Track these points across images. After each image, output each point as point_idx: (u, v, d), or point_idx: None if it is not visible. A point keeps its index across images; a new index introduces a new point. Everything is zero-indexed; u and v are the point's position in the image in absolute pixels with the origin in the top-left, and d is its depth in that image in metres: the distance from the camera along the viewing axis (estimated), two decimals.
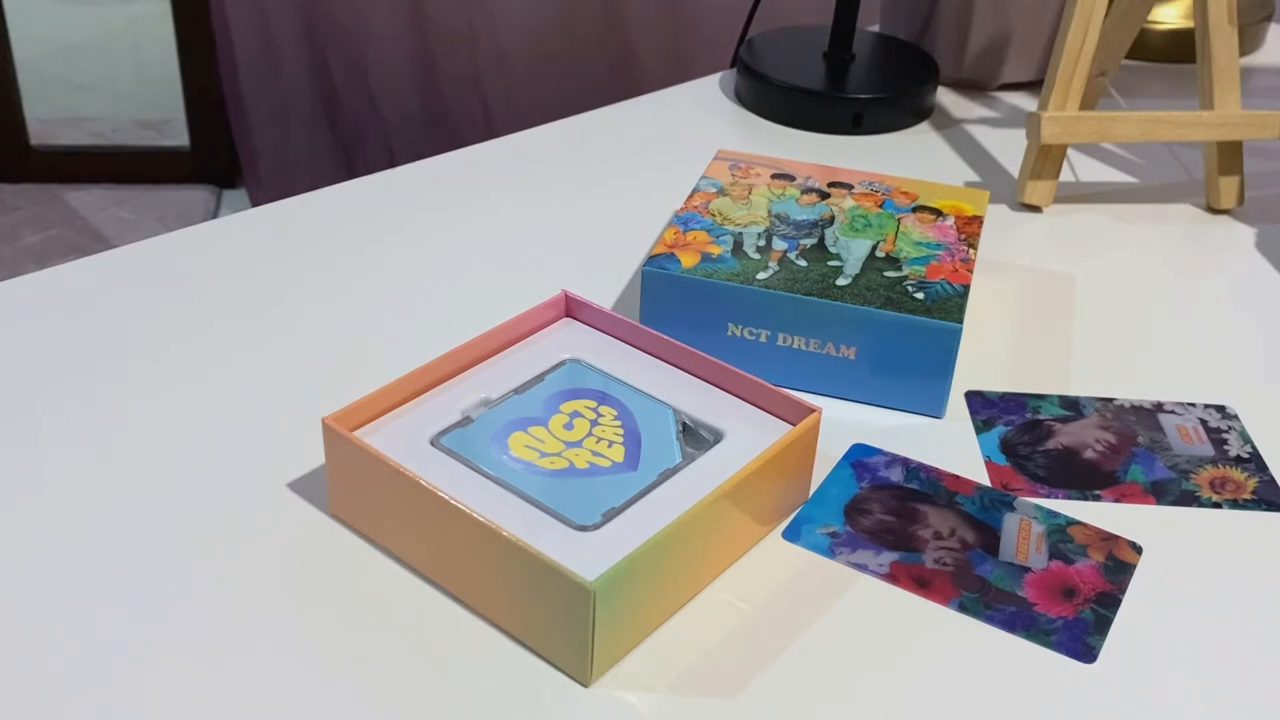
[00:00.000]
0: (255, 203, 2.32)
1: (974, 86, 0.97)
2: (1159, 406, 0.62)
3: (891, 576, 0.51)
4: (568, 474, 0.50)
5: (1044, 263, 0.74)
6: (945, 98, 0.96)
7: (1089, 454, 0.58)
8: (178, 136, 2.41)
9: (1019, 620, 0.49)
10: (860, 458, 0.57)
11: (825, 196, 0.67)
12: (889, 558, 0.52)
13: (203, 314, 0.65)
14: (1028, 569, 0.51)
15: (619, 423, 0.53)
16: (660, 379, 0.56)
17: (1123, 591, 0.51)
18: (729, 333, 0.61)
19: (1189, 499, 0.56)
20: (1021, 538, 0.53)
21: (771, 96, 0.90)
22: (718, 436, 0.53)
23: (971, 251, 0.63)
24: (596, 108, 0.91)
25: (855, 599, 0.50)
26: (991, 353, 0.65)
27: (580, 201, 0.79)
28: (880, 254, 0.62)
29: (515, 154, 0.84)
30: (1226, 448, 0.59)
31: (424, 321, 0.65)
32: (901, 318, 0.58)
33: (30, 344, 0.62)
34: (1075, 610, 0.49)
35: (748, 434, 0.53)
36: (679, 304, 0.60)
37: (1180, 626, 0.49)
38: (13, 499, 0.52)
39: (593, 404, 0.54)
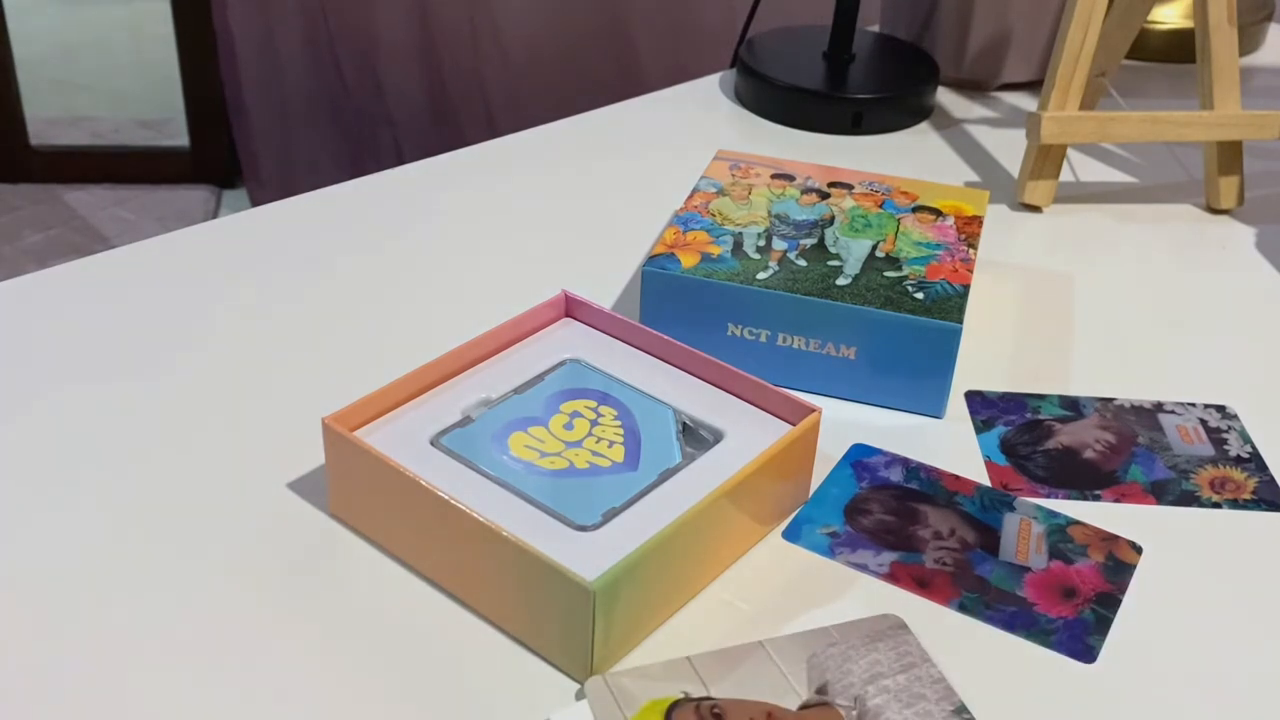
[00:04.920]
0: (255, 203, 2.32)
1: (974, 86, 0.97)
2: (1159, 406, 0.62)
3: (891, 576, 0.51)
4: (568, 474, 0.50)
5: (1044, 263, 0.74)
6: (945, 98, 0.96)
7: (1089, 454, 0.58)
8: (178, 136, 2.41)
9: (1019, 620, 0.49)
10: (860, 458, 0.57)
11: (825, 196, 0.67)
12: (889, 558, 0.52)
13: (203, 314, 0.65)
14: (1028, 569, 0.51)
15: (619, 423, 0.53)
16: (660, 379, 0.56)
17: (1123, 591, 0.51)
18: (729, 333, 0.61)
19: (1189, 499, 0.56)
20: (1021, 538, 0.53)
21: (771, 96, 0.90)
22: (718, 436, 0.53)
23: (971, 251, 0.63)
24: (598, 108, 0.91)
25: (855, 599, 0.50)
26: (991, 353, 0.65)
27: (580, 201, 0.79)
28: (880, 254, 0.62)
29: (515, 154, 0.84)
30: (1226, 448, 0.59)
31: (424, 321, 0.65)
32: (901, 317, 0.58)
33: (30, 344, 0.62)
34: (1075, 610, 0.49)
35: (748, 434, 0.53)
36: (679, 304, 0.60)
37: (1180, 626, 0.49)
38: (12, 498, 0.52)
39: (593, 404, 0.54)
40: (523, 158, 0.83)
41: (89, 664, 0.45)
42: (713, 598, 0.49)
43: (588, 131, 0.88)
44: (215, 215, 2.32)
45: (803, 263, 0.61)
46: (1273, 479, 0.58)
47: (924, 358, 0.59)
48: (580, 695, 0.45)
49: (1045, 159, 0.79)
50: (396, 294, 0.68)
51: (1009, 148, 0.88)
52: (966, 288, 0.60)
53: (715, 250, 0.62)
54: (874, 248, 0.63)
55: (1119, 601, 0.50)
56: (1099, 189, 0.84)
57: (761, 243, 0.63)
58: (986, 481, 0.56)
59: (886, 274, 0.61)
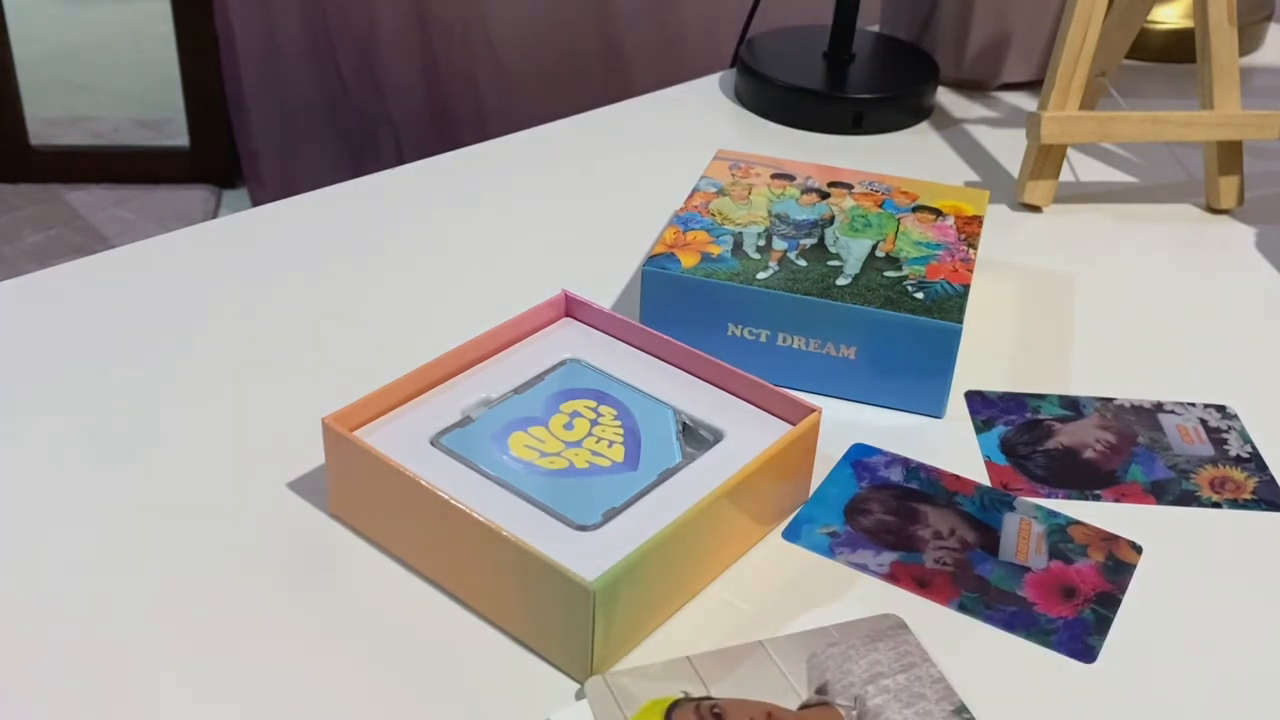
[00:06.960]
0: (255, 203, 2.32)
1: (974, 86, 0.97)
2: (1159, 406, 0.62)
3: (891, 576, 0.51)
4: (568, 474, 0.50)
5: (1044, 263, 0.74)
6: (945, 98, 0.96)
7: (1089, 454, 0.58)
8: (178, 136, 2.41)
9: (1019, 620, 0.49)
10: (860, 457, 0.57)
11: (825, 196, 0.67)
12: (889, 558, 0.52)
13: (202, 314, 0.65)
14: (1028, 569, 0.51)
15: (619, 422, 0.53)
16: (660, 379, 0.56)
17: (1123, 591, 0.51)
18: (729, 332, 0.61)
19: (1189, 499, 0.56)
20: (1021, 538, 0.53)
21: (771, 96, 0.90)
22: (718, 436, 0.53)
23: (971, 251, 0.63)
24: (589, 108, 0.91)
25: (855, 599, 0.50)
26: (991, 353, 0.65)
27: (580, 201, 0.79)
28: (880, 254, 0.62)
29: (514, 154, 0.84)
30: (1226, 448, 0.59)
31: (424, 321, 0.65)
32: (901, 317, 0.58)
33: (30, 344, 0.62)
34: (1075, 610, 0.49)
35: (748, 434, 0.53)
36: (679, 304, 0.60)
37: (1180, 626, 0.49)
38: (11, 498, 0.52)
39: (592, 404, 0.54)
40: (523, 158, 0.83)
41: (88, 663, 0.45)
42: (713, 598, 0.49)
43: (588, 131, 0.88)
44: (215, 215, 2.32)
45: (803, 263, 0.61)
46: (1273, 479, 0.58)
47: (924, 358, 0.59)
48: (580, 695, 0.45)
49: (1045, 159, 0.79)
50: (397, 294, 0.68)
51: (1009, 148, 0.88)
52: (966, 288, 0.60)
53: (715, 250, 0.62)
54: (874, 248, 0.63)
55: (1119, 601, 0.50)
56: (1099, 189, 0.84)
57: (761, 242, 0.63)
58: (986, 481, 0.56)
59: (886, 274, 0.61)
